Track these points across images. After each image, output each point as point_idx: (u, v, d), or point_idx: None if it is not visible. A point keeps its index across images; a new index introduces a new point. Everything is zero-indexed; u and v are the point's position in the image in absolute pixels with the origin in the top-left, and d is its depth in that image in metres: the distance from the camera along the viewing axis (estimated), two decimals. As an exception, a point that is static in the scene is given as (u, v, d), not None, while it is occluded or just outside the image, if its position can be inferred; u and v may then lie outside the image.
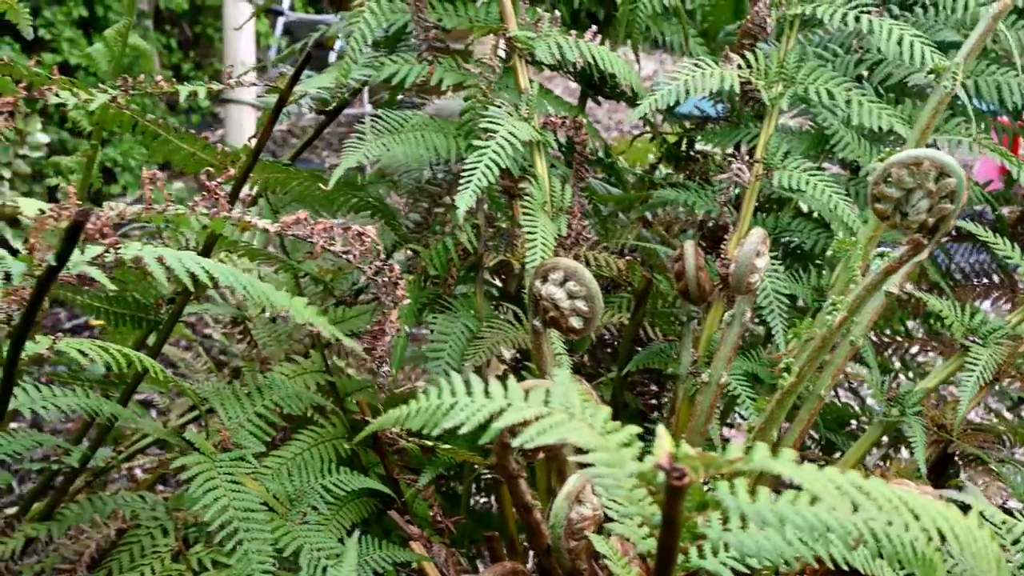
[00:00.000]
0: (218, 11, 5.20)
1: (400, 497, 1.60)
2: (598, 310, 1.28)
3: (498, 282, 1.85)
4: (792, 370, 1.25)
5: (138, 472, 2.52)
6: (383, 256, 1.19)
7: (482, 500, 2.02)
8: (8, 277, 1.05)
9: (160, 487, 2.58)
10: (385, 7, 1.38)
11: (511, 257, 1.67)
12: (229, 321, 1.86)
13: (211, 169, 1.13)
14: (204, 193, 1.19)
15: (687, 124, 1.91)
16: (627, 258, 1.60)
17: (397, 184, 1.97)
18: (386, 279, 1.20)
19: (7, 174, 4.04)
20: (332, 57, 6.05)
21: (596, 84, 1.81)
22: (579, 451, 1.57)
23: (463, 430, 0.88)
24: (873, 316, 1.33)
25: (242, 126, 3.85)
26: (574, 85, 1.94)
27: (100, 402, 1.56)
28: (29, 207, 0.98)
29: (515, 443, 0.85)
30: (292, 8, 5.39)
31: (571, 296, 1.28)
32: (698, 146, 1.90)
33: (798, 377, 1.24)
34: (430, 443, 1.57)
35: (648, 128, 1.89)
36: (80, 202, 1.13)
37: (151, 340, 1.86)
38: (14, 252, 2.40)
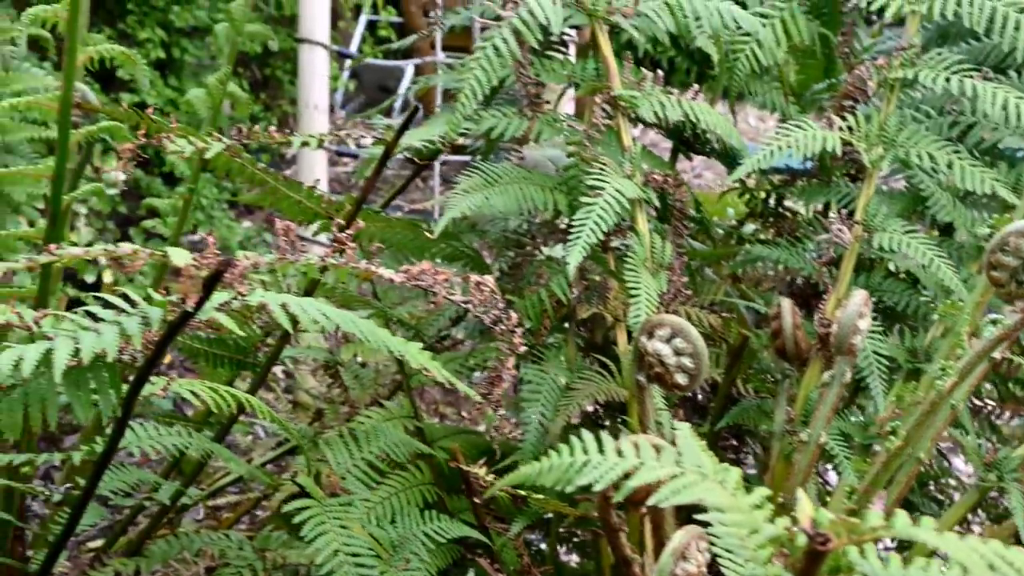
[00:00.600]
0: (287, 54, 5.30)
1: (490, 545, 1.62)
2: (704, 367, 1.30)
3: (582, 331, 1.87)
4: (899, 433, 1.25)
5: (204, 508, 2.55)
6: (501, 305, 1.21)
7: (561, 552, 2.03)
8: (147, 322, 1.08)
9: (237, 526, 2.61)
10: (495, 63, 1.41)
11: (603, 310, 1.69)
12: (321, 365, 1.89)
13: (340, 221, 1.15)
14: (280, 239, 1.22)
15: (775, 180, 1.92)
16: (723, 315, 1.61)
17: (485, 233, 1.99)
18: (504, 327, 1.22)
19: (84, 210, 4.13)
20: (398, 101, 6.13)
21: (687, 140, 1.84)
22: (679, 506, 1.58)
23: (597, 487, 0.90)
24: (975, 381, 1.34)
25: (313, 168, 3.90)
26: (652, 135, 1.97)
27: (202, 441, 1.60)
28: (179, 257, 1.02)
29: (650, 502, 0.87)
30: (360, 52, 5.48)
31: (677, 353, 1.30)
32: (785, 202, 1.92)
33: (904, 441, 1.25)
34: (523, 492, 1.58)
35: (736, 183, 1.91)
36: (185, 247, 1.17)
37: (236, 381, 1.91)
38: (97, 287, 2.43)
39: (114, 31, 4.35)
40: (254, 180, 1.56)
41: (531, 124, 1.58)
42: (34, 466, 1.49)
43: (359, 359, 1.91)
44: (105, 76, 4.21)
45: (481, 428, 2.99)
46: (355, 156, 5.09)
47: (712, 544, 1.13)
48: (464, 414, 2.50)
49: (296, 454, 2.06)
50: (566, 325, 1.71)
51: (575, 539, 1.96)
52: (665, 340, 1.30)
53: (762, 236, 1.88)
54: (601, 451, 0.92)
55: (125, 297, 1.16)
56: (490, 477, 1.60)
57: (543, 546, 1.92)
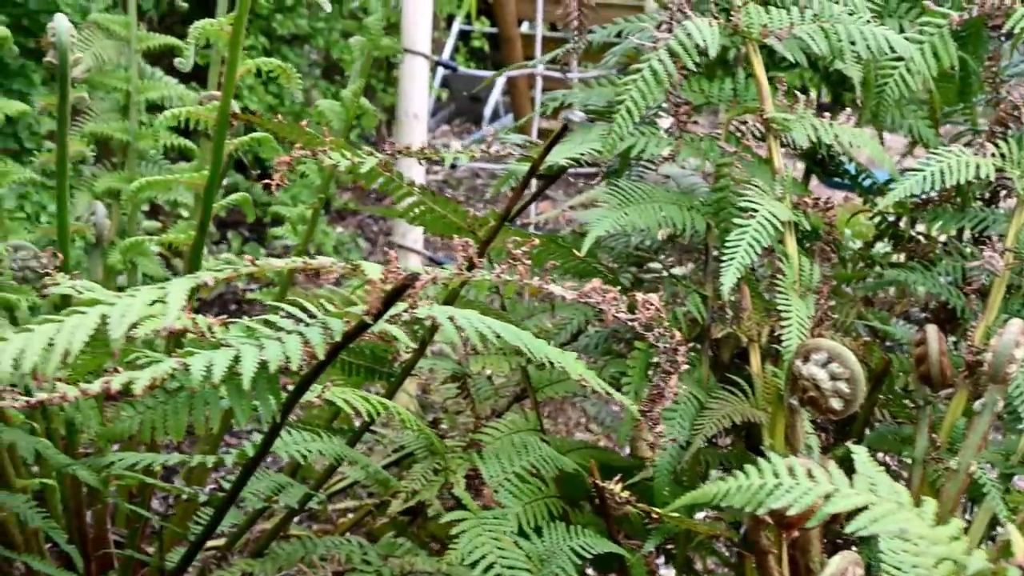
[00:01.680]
0: (381, 63, 5.36)
1: (625, 561, 1.63)
2: (860, 393, 1.30)
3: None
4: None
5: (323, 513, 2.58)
6: (666, 323, 1.22)
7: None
8: (329, 332, 1.11)
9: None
10: (652, 84, 1.43)
11: (738, 330, 1.70)
12: (449, 376, 1.92)
13: (517, 239, 1.17)
14: (459, 254, 1.24)
15: (908, 203, 1.91)
16: (864, 339, 1.61)
17: (611, 250, 2.01)
18: (668, 345, 1.23)
19: (185, 213, 4.21)
20: (487, 111, 6.18)
21: (821, 162, 1.84)
22: (827, 529, 1.58)
23: (791, 511, 0.91)
24: None
25: (410, 175, 3.92)
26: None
27: (343, 448, 1.63)
28: (371, 270, 1.04)
29: (848, 530, 0.88)
30: (452, 60, 5.52)
31: (833, 377, 1.30)
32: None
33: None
34: (658, 510, 1.59)
35: (870, 205, 1.91)
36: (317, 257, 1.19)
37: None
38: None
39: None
40: (401, 192, 1.59)
41: (678, 144, 1.60)
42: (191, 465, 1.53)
43: (488, 372, 1.93)
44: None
45: (601, 443, 3.01)
46: (451, 165, 5.11)
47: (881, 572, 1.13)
48: (592, 429, 2.50)
49: (407, 463, 2.09)
50: (698, 344, 1.72)
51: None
52: (821, 365, 1.30)
53: (893, 259, 1.87)
54: (792, 475, 0.93)
55: (301, 307, 1.19)
56: (625, 493, 1.61)
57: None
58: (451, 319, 1.19)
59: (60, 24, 1.54)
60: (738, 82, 1.71)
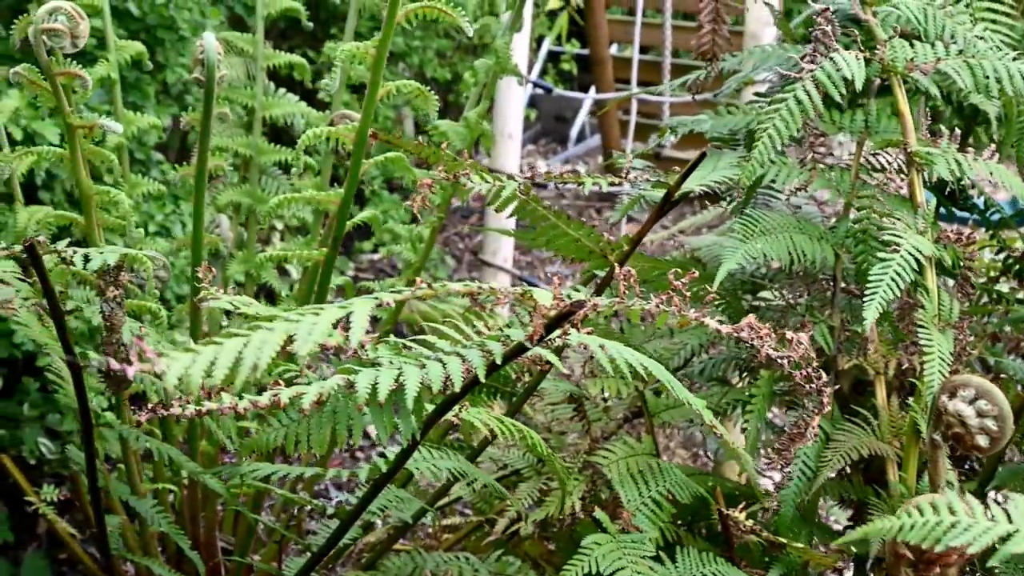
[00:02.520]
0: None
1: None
2: (1008, 431, 1.29)
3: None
4: None
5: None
6: (815, 363, 1.22)
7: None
8: (489, 354, 1.12)
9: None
10: (796, 114, 1.43)
11: (864, 362, 1.69)
12: (566, 397, 1.93)
13: (679, 270, 1.18)
14: (620, 283, 1.25)
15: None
16: (999, 375, 1.60)
17: (728, 276, 2.01)
18: (814, 386, 1.23)
19: (280, 225, 4.28)
20: (573, 131, 6.20)
21: (951, 195, 1.82)
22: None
23: (971, 550, 0.91)
24: None
25: (501, 215, 3.94)
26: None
27: (469, 467, 1.65)
28: (543, 297, 1.06)
29: (989, 564, 0.87)
30: (542, 81, 5.55)
31: (980, 415, 1.29)
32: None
33: None
34: (783, 540, 1.58)
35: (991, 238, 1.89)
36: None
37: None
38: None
39: (316, 54, 4.50)
40: (535, 216, 1.60)
41: (812, 174, 1.60)
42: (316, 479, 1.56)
43: (607, 394, 1.94)
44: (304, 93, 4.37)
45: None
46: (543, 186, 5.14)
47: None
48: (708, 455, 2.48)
49: (508, 481, 2.10)
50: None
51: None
52: (968, 401, 1.30)
53: (1020, 295, 1.86)
54: (971, 513, 0.93)
55: (456, 328, 1.21)
56: (749, 522, 1.60)
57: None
58: (602, 348, 1.20)
59: (208, 42, 1.58)
60: (869, 114, 1.71)
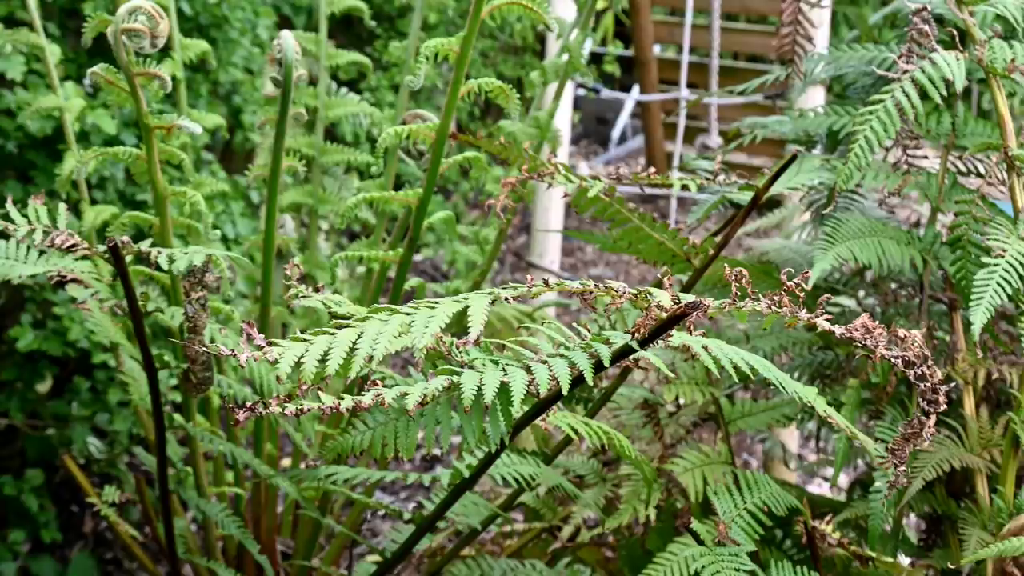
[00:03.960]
0: (513, 83, 5.36)
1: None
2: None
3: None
4: None
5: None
6: (930, 362, 1.18)
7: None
8: (596, 357, 1.09)
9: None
10: (893, 116, 1.39)
11: (952, 371, 1.65)
12: (639, 404, 1.90)
13: (791, 270, 1.14)
14: (732, 284, 1.21)
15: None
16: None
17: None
18: (928, 384, 1.19)
19: (324, 226, 4.26)
20: (615, 132, 6.16)
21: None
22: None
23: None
24: None
25: (548, 212, 3.91)
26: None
27: (549, 472, 1.62)
28: (662, 296, 1.03)
29: None
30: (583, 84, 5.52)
31: (1093, 427, 1.25)
32: None
33: None
34: (871, 554, 1.55)
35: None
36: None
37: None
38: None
39: (362, 53, 4.49)
40: (618, 218, 1.57)
41: (905, 179, 1.56)
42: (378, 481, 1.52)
43: (682, 400, 1.90)
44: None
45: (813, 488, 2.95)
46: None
47: None
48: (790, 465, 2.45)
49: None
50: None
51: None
52: (1079, 413, 1.25)
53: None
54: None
55: (557, 328, 1.18)
56: (836, 534, 1.57)
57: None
58: (705, 348, 1.17)
59: (287, 41, 1.56)
60: (956, 116, 1.67)
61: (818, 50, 1.84)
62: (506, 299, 1.03)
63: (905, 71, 1.40)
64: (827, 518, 1.54)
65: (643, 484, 1.80)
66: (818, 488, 3.29)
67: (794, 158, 1.50)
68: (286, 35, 1.56)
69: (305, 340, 0.91)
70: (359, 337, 0.92)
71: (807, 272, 1.14)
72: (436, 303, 1.00)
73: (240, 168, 4.03)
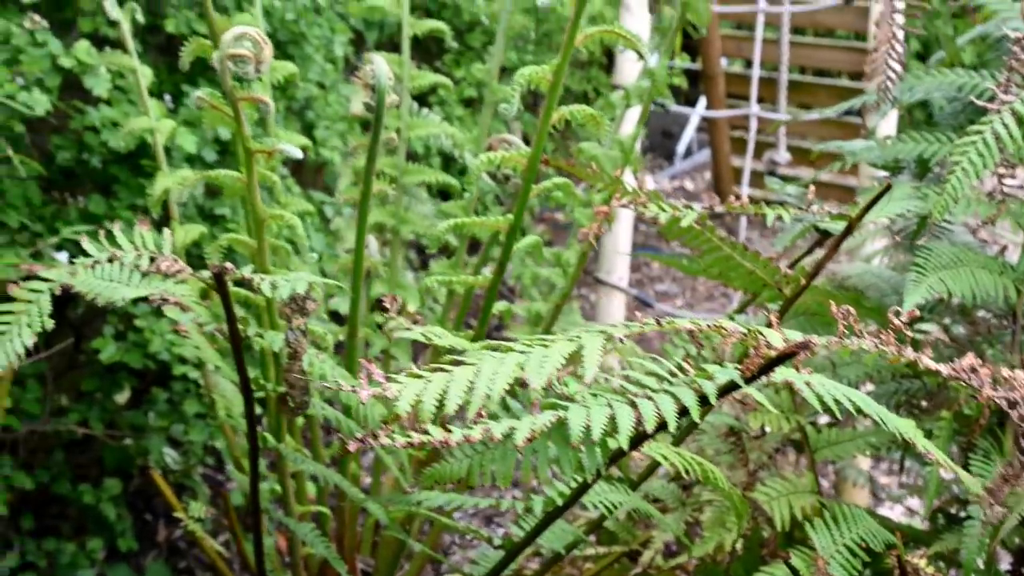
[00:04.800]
0: (578, 97, 5.37)
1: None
2: None
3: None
4: None
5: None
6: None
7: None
8: (703, 394, 1.10)
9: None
10: (993, 147, 1.38)
11: (1046, 402, 1.62)
12: (726, 431, 1.89)
13: (898, 308, 1.14)
14: (840, 322, 1.21)
15: None
16: None
17: (884, 307, 1.96)
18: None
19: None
20: (681, 146, 6.15)
21: None
22: None
23: None
24: None
25: (617, 229, 3.90)
26: None
27: (638, 501, 1.62)
28: (774, 338, 1.03)
29: None
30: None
31: None
32: None
33: None
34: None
35: None
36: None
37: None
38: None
39: (431, 68, 4.52)
40: (708, 247, 1.57)
41: (1000, 207, 1.54)
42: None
43: (767, 428, 1.90)
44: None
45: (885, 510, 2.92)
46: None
47: None
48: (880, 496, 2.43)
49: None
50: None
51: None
52: None
53: None
54: None
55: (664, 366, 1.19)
56: (930, 569, 1.55)
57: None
58: (808, 384, 1.16)
59: (379, 67, 1.58)
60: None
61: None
62: (619, 338, 1.03)
63: (1005, 102, 1.39)
64: (920, 552, 1.53)
65: (728, 512, 1.80)
66: (889, 511, 3.26)
67: (888, 188, 1.50)
68: (379, 61, 1.58)
69: (422, 377, 0.93)
70: (476, 376, 0.93)
71: (913, 311, 1.13)
72: (549, 341, 1.01)
73: (311, 182, 4.07)
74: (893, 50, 1.75)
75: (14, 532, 3.15)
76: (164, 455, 3.30)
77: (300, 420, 2.00)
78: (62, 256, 2.82)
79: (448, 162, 4.49)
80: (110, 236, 1.38)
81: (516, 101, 1.55)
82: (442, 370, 0.95)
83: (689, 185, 5.98)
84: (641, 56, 1.65)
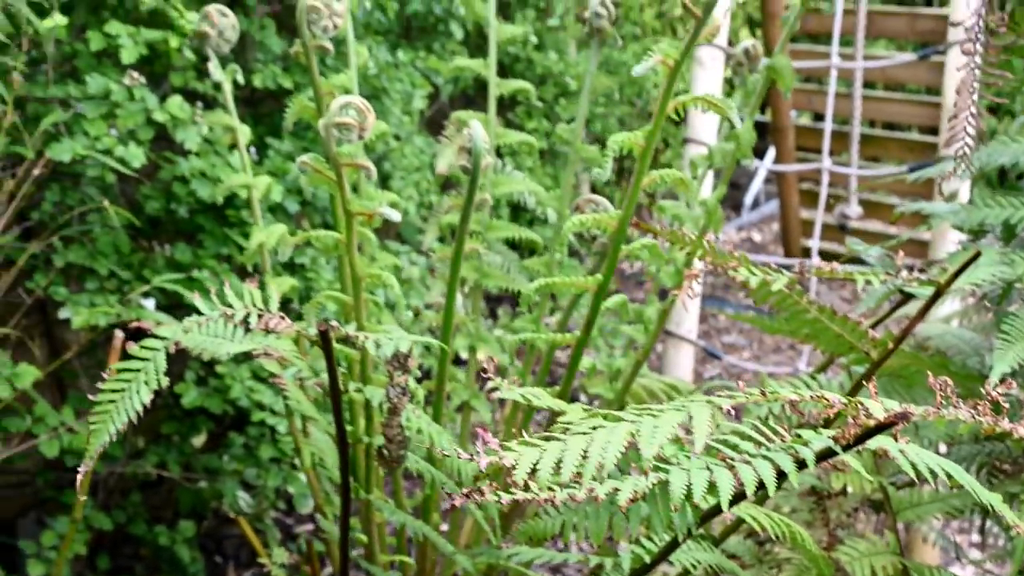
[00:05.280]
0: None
1: None
2: None
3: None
4: None
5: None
6: None
7: None
8: (800, 459, 1.12)
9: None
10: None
11: None
12: (808, 490, 1.91)
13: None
14: (938, 393, 1.23)
15: None
16: None
17: (961, 365, 1.97)
18: None
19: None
20: (748, 198, 6.17)
21: None
22: None
23: None
24: None
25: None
26: None
27: (723, 560, 1.64)
28: (875, 409, 1.05)
29: None
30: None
31: None
32: None
33: None
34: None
35: None
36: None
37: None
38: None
39: (503, 120, 4.59)
40: (796, 310, 1.60)
41: (1090, 275, 1.56)
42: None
43: (849, 488, 1.91)
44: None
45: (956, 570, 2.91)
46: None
47: None
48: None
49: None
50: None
51: None
52: None
53: None
54: None
55: (759, 431, 1.21)
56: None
57: None
58: (902, 452, 1.18)
59: (476, 132, 1.63)
60: None
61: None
62: (726, 409, 1.07)
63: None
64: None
65: (807, 571, 1.81)
66: (960, 571, 3.23)
67: (977, 255, 1.51)
68: (476, 127, 1.63)
69: (536, 446, 0.96)
70: (590, 445, 0.97)
71: (1010, 382, 1.15)
72: (657, 411, 1.04)
73: (387, 232, 4.15)
74: (972, 117, 1.77)
75: (91, 572, 3.23)
76: (238, 498, 3.36)
77: (382, 470, 2.04)
78: (149, 303, 2.91)
79: (517, 211, 4.56)
80: (220, 294, 1.44)
81: (608, 166, 1.59)
82: (554, 438, 0.98)
83: (757, 236, 5.99)
84: (732, 123, 1.69)
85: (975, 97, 1.84)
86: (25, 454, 2.80)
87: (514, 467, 0.93)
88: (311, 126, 2.79)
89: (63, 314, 2.63)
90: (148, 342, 1.37)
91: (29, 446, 2.74)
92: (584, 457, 0.97)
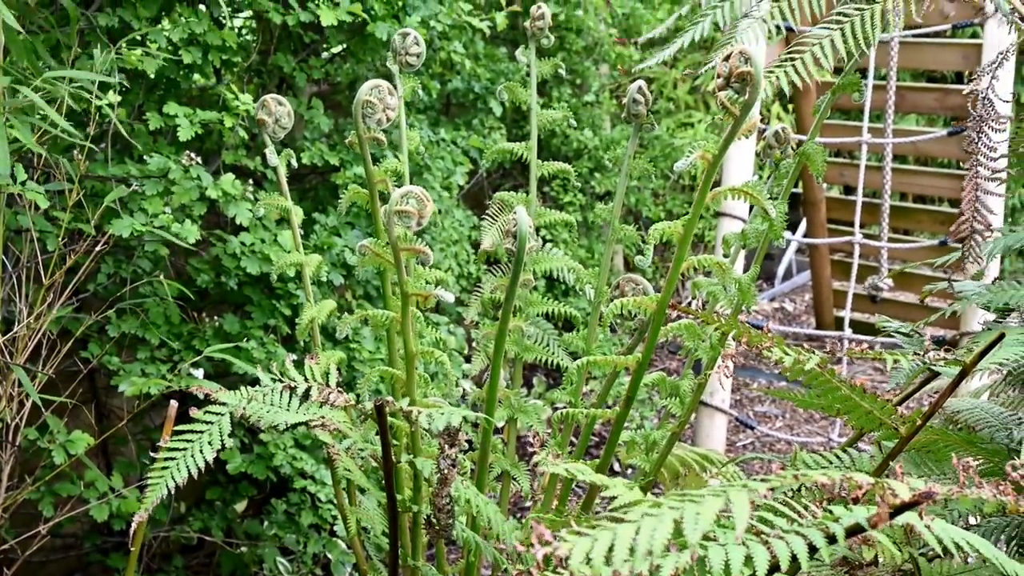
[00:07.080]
0: (675, 215, 5.50)
1: None
2: None
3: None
4: None
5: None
6: None
7: None
8: (831, 536, 1.19)
9: None
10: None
11: None
12: (840, 560, 1.95)
13: (1016, 462, 1.23)
14: (961, 473, 1.29)
15: None
16: None
17: (988, 440, 2.02)
18: None
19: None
20: (780, 268, 6.24)
21: None
22: None
23: None
24: None
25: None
26: None
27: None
28: (902, 490, 1.12)
29: None
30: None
31: None
32: None
33: None
34: None
35: None
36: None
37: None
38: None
39: (539, 193, 4.71)
40: (828, 387, 1.66)
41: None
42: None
43: (881, 559, 1.96)
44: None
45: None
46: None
47: None
48: None
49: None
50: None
51: None
52: None
53: None
54: None
55: (790, 506, 1.28)
56: None
57: None
58: (928, 528, 1.25)
59: (522, 217, 1.72)
60: None
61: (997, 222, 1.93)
62: (764, 495, 1.14)
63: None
64: None
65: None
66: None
67: (1002, 336, 1.58)
68: (522, 212, 1.72)
69: (588, 536, 1.04)
70: (637, 534, 1.04)
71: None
72: (698, 497, 1.11)
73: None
74: (978, 214, 1.85)
75: (136, 634, 3.29)
76: (277, 563, 3.43)
77: (426, 538, 2.11)
78: (198, 373, 3.01)
79: (552, 282, 4.65)
80: (281, 366, 1.52)
81: (649, 253, 1.67)
82: (605, 528, 1.06)
83: (789, 307, 6.05)
84: (767, 212, 1.77)
85: (979, 194, 1.93)
86: (73, 518, 2.89)
87: (568, 557, 1.00)
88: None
89: (121, 385, 2.73)
90: (212, 407, 1.45)
91: (81, 511, 2.82)
92: (634, 546, 1.04)
